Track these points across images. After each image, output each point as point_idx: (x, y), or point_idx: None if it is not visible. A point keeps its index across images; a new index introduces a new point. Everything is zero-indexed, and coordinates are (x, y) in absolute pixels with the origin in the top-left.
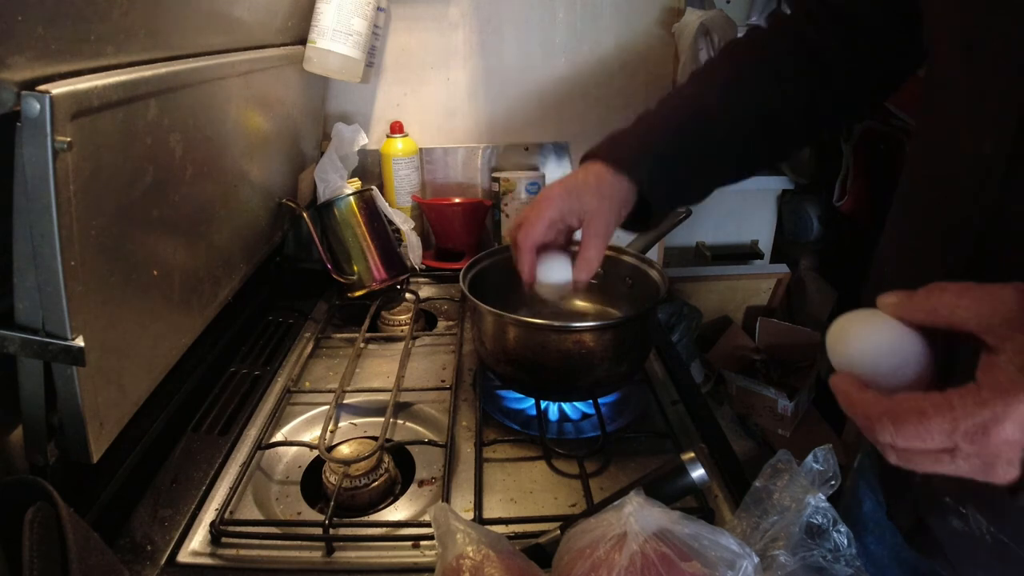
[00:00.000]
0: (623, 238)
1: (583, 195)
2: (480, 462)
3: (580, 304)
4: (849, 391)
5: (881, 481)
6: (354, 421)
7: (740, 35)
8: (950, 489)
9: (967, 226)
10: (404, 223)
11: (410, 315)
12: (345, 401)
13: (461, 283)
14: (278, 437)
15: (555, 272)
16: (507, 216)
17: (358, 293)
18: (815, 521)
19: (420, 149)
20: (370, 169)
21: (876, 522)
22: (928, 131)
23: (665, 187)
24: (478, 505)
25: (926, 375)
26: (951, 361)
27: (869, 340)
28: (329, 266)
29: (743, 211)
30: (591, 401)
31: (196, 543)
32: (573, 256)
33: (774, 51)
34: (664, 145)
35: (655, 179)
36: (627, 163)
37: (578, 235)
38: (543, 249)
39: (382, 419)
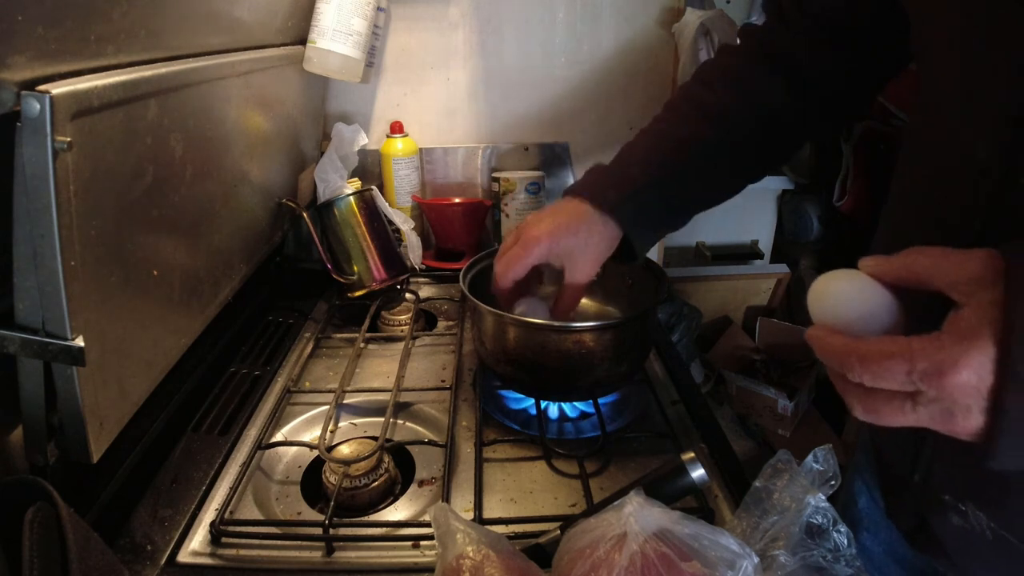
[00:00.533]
0: None
1: (569, 239)
2: (480, 462)
3: (580, 304)
4: (822, 336)
5: (880, 481)
6: (354, 421)
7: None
8: (949, 487)
9: (967, 227)
10: (404, 223)
11: (410, 315)
12: (345, 401)
13: (461, 283)
14: (278, 437)
15: (533, 311)
16: (507, 216)
17: (358, 293)
18: (815, 521)
19: (420, 149)
20: (370, 169)
21: (872, 519)
22: (923, 130)
23: (648, 225)
24: (478, 505)
25: (897, 329)
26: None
27: (843, 293)
28: (329, 266)
29: (743, 211)
30: (591, 401)
31: (196, 543)
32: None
33: (748, 71)
34: (646, 183)
35: (638, 220)
36: (611, 204)
37: None
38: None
39: (382, 419)
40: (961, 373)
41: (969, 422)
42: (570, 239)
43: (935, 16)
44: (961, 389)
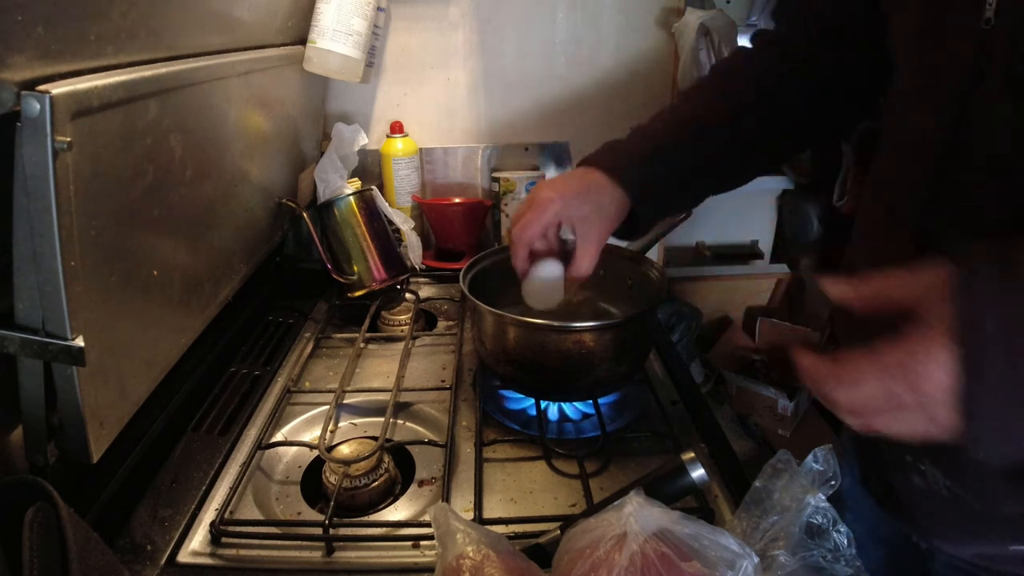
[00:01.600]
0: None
1: (580, 202)
2: (480, 462)
3: (580, 304)
4: (800, 360)
5: (857, 450)
6: (354, 421)
7: (740, 34)
8: (909, 447)
9: (914, 205)
10: (404, 223)
11: (410, 315)
12: (345, 401)
13: (461, 283)
14: (278, 437)
15: (547, 271)
16: (507, 216)
17: (358, 293)
18: (815, 521)
19: (420, 149)
20: (370, 169)
21: (854, 499)
22: (888, 126)
23: (654, 199)
24: (478, 505)
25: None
26: None
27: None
28: (329, 266)
29: (743, 211)
30: (591, 401)
31: (196, 543)
32: (564, 257)
33: (762, 67)
34: (657, 157)
35: (645, 191)
36: (621, 172)
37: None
38: (535, 252)
39: (382, 419)
40: (933, 372)
41: (951, 419)
42: (582, 202)
43: (902, 6)
44: (939, 388)
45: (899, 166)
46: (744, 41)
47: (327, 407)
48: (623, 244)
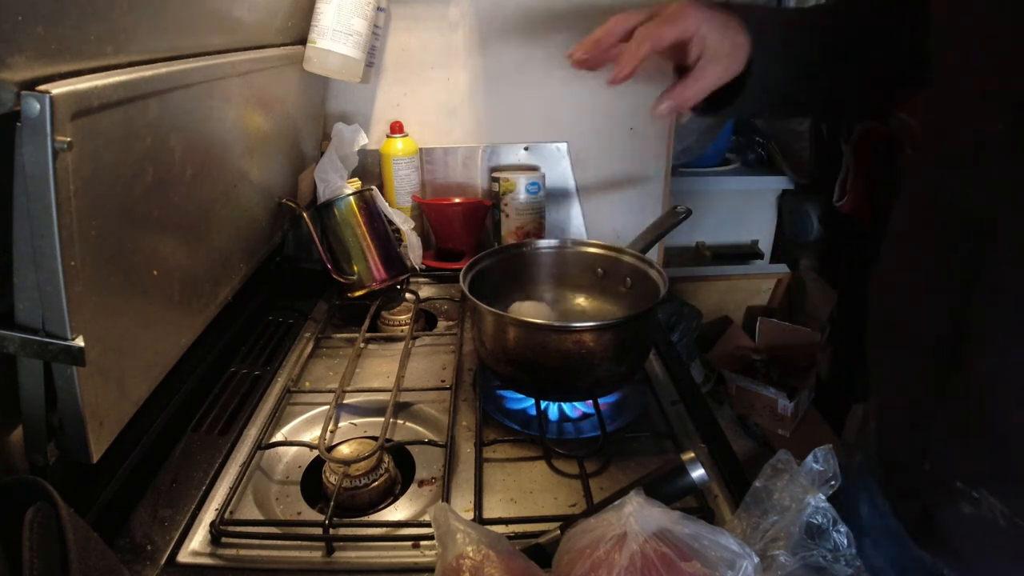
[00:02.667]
0: (623, 238)
1: (720, 35)
2: (480, 462)
3: (580, 304)
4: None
5: (886, 477)
6: (354, 421)
7: None
8: (961, 473)
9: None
10: (404, 223)
11: (410, 315)
12: (345, 401)
13: (461, 283)
14: (278, 437)
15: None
16: (507, 216)
17: (358, 293)
18: (815, 521)
19: (420, 149)
20: (370, 169)
21: (873, 525)
22: (932, 126)
23: (763, 70)
24: (478, 505)
25: None
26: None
27: None
28: (329, 266)
29: (743, 211)
30: (591, 401)
31: (196, 543)
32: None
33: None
34: (772, 23)
35: (770, 62)
36: (757, 33)
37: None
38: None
39: (382, 419)
40: None
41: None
42: (723, 36)
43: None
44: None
45: (949, 176)
46: None
47: (327, 407)
48: (623, 244)
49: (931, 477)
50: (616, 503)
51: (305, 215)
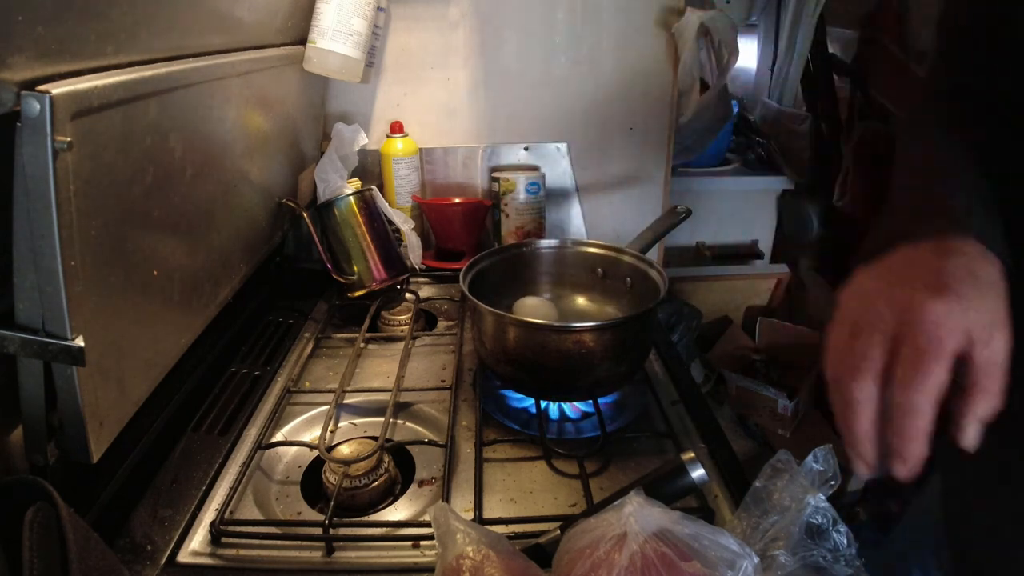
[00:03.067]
0: (623, 238)
1: (981, 304)
2: (480, 462)
3: (580, 304)
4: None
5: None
6: (354, 421)
7: (740, 34)
8: None
9: None
10: (404, 223)
11: (410, 315)
12: (345, 401)
13: (461, 283)
14: (278, 437)
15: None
16: (507, 216)
17: (358, 293)
18: (815, 521)
19: (420, 149)
20: (370, 169)
21: None
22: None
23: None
24: (478, 505)
25: None
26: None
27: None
28: (329, 266)
29: (743, 211)
30: (591, 401)
31: (196, 543)
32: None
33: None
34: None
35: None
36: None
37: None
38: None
39: (382, 419)
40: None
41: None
42: (982, 304)
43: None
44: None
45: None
46: (744, 41)
47: (327, 407)
48: (623, 244)
49: None
50: (616, 503)
51: (305, 215)
